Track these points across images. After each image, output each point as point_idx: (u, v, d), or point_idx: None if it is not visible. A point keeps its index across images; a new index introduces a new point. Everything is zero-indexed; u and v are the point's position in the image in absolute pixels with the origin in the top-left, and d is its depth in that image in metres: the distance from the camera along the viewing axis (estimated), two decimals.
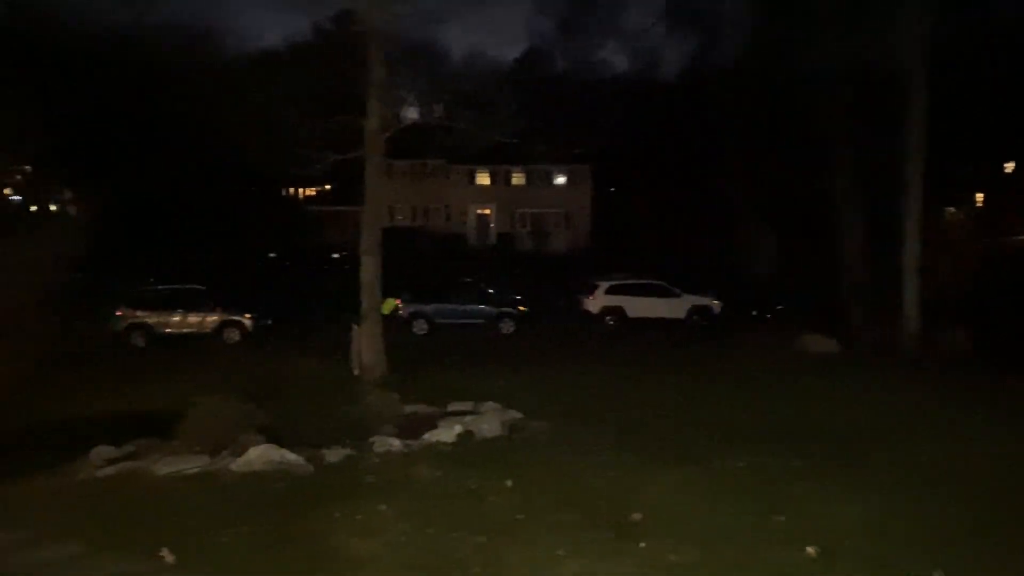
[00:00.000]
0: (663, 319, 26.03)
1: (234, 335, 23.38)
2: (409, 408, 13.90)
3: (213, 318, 23.45)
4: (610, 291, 26.50)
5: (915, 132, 20.96)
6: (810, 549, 8.14)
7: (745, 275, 31.95)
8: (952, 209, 34.76)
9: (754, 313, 27.86)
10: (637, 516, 8.94)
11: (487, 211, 49.86)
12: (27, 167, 35.54)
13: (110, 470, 10.89)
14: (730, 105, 31.70)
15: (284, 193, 54.66)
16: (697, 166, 37.43)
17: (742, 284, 30.24)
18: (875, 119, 22.77)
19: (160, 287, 24.73)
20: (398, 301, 24.13)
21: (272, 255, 42.55)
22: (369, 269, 17.52)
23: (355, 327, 17.38)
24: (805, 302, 26.36)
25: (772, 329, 24.73)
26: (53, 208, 44.66)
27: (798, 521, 8.88)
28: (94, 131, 34.79)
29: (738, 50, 33.55)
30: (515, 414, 13.52)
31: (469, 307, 25.59)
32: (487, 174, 49.14)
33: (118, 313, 23.27)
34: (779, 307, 28.01)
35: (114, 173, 33.96)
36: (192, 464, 10.71)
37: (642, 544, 8.19)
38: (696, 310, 26.57)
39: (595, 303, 26.46)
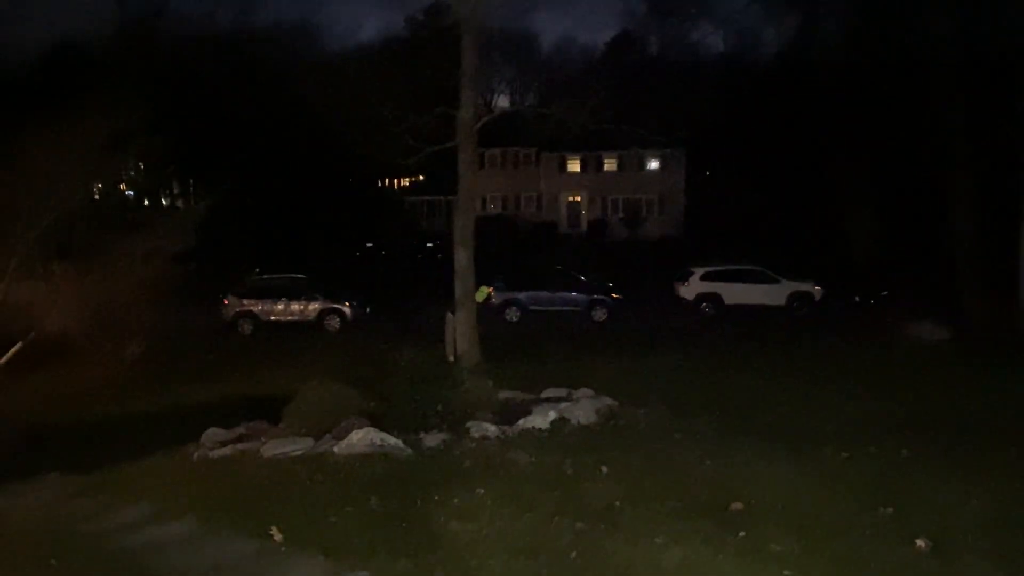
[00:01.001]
0: (762, 306, 25.43)
1: (335, 322, 24.15)
2: (503, 394, 13.99)
3: (315, 306, 24.27)
4: (706, 277, 26.06)
5: None
6: (920, 542, 7.82)
7: (847, 259, 30.83)
8: None
9: (857, 299, 26.89)
10: (738, 505, 8.78)
11: (578, 198, 49.66)
12: (139, 163, 37.51)
13: (222, 451, 11.41)
14: (834, 83, 30.52)
15: (380, 185, 55.79)
16: (795, 147, 36.25)
17: (844, 269, 29.21)
18: (991, 93, 21.52)
19: (265, 277, 25.73)
20: (491, 289, 24.35)
21: (369, 245, 43.60)
22: (463, 258, 17.73)
23: (450, 315, 17.63)
24: (912, 287, 25.26)
25: (878, 315, 23.80)
26: (164, 203, 47.04)
27: (909, 513, 8.53)
28: (201, 129, 36.38)
29: (843, 26, 32.24)
30: (610, 401, 13.45)
31: (561, 294, 25.61)
32: (578, 161, 48.93)
33: (226, 302, 24.33)
34: (884, 292, 26.92)
35: (221, 169, 35.40)
36: (298, 446, 11.10)
37: (742, 534, 8.04)
38: (796, 296, 25.84)
39: (690, 290, 26.07)
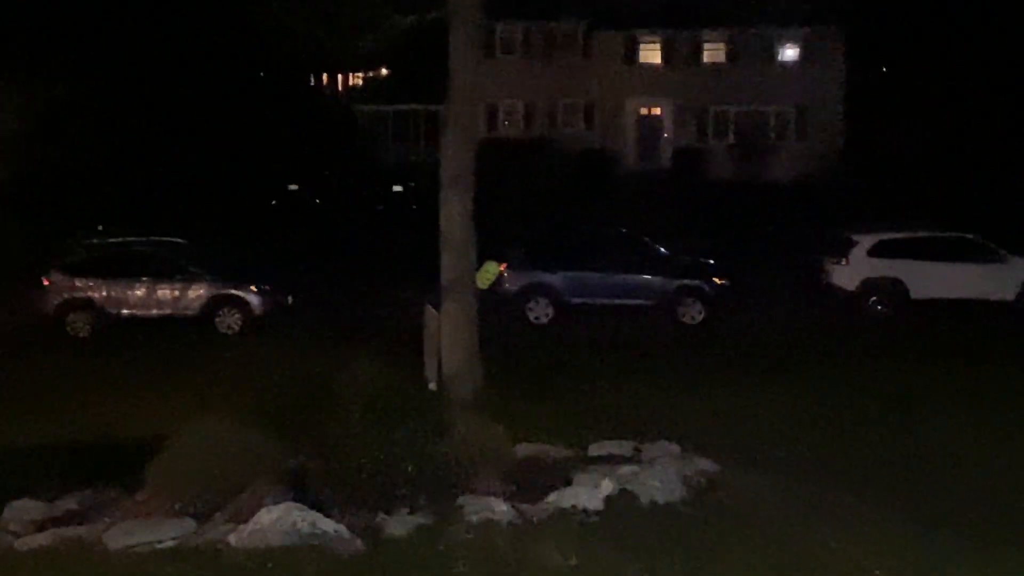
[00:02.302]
0: (974, 300, 25.24)
1: (233, 319, 24.18)
2: (523, 449, 13.97)
3: (199, 292, 24.28)
4: (878, 251, 25.90)
5: None
6: None
7: None
8: None
9: None
10: None
11: (657, 110, 49.49)
12: None
13: (38, 539, 11.43)
14: None
15: (313, 85, 55.65)
16: None
17: None
18: None
19: (113, 241, 25.74)
20: (503, 266, 24.31)
21: (293, 188, 43.61)
22: (456, 212, 17.67)
23: (431, 310, 17.61)
24: None
25: None
26: None
27: None
28: None
29: None
30: (706, 464, 13.40)
31: (625, 277, 25.50)
32: (658, 45, 48.74)
33: (47, 283, 24.36)
34: None
35: (41, 52, 35.39)
36: (167, 532, 11.10)
37: None
38: None
39: (851, 272, 25.92)
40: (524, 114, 49.57)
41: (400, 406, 12.84)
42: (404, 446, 12.14)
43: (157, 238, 25.40)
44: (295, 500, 11.33)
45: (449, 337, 17.40)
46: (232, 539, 10.86)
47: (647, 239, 26.89)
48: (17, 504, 12.35)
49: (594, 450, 14.10)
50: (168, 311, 24.27)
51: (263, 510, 11.07)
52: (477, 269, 18.28)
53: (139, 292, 24.31)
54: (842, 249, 26.18)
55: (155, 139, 39.28)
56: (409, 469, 11.96)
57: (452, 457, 12.50)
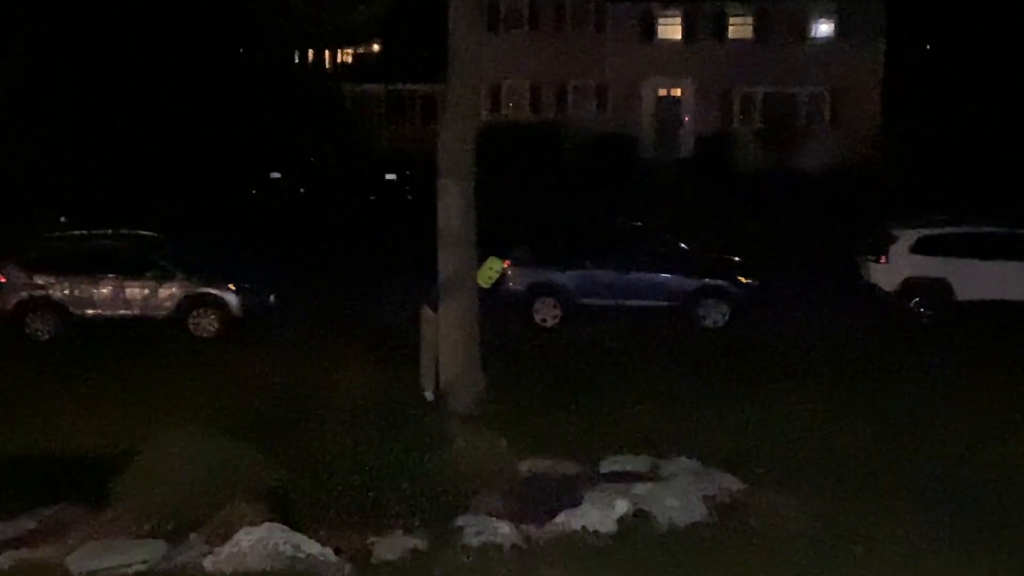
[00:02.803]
0: None
1: (209, 321, 24.14)
2: (527, 463, 13.96)
3: (172, 290, 24.24)
4: (922, 247, 25.80)
5: None
6: None
7: None
8: None
9: None
10: None
11: (677, 92, 49.47)
12: None
13: None
14: None
15: (297, 63, 55.62)
16: None
17: None
18: None
19: (78, 234, 25.71)
20: (506, 263, 24.30)
21: (276, 176, 43.57)
22: (455, 204, 17.68)
23: (428, 311, 17.63)
24: None
25: None
26: None
27: None
28: None
29: None
30: (729, 481, 13.42)
31: (640, 276, 25.46)
32: (678, 20, 48.70)
33: (2, 279, 24.34)
34: None
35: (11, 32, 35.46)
36: (136, 555, 11.10)
37: None
38: None
39: (891, 271, 25.87)
40: (531, 95, 49.49)
41: (393, 417, 12.86)
42: (397, 461, 12.15)
43: (125, 231, 25.32)
44: (277, 520, 11.34)
45: (448, 341, 17.41)
46: (208, 563, 10.88)
47: (666, 234, 26.86)
48: None
49: (606, 466, 14.11)
50: (138, 312, 24.20)
51: (242, 531, 11.08)
52: (478, 266, 18.28)
53: (105, 291, 24.23)
54: (881, 245, 26.07)
55: (124, 123, 39.26)
56: (403, 486, 11.97)
57: (450, 473, 12.51)
